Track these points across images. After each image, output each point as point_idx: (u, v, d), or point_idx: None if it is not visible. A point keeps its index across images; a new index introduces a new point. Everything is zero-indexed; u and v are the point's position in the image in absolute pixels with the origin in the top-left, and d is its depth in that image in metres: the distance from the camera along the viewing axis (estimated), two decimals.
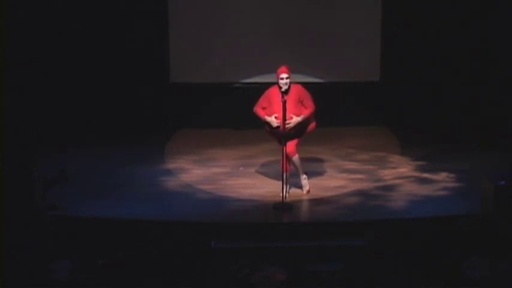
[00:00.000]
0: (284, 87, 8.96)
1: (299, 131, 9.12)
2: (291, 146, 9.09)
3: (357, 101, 12.41)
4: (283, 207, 8.88)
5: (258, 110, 9.18)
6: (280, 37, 12.21)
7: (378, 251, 7.79)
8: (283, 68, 9.00)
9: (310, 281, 7.36)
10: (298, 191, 9.46)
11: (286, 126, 8.90)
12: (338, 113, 12.21)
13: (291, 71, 9.04)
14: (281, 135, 9.00)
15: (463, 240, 7.95)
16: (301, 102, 9.05)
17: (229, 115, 12.18)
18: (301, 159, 9.38)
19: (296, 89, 9.08)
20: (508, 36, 12.02)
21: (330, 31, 12.46)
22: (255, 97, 9.35)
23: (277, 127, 9.01)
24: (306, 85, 9.34)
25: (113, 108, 12.28)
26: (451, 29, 12.26)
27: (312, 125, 9.25)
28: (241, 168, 10.53)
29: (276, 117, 9.02)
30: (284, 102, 8.79)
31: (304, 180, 9.42)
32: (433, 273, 7.19)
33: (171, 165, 10.75)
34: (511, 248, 7.88)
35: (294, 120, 8.99)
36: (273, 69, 9.23)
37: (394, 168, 10.55)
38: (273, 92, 9.09)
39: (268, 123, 9.12)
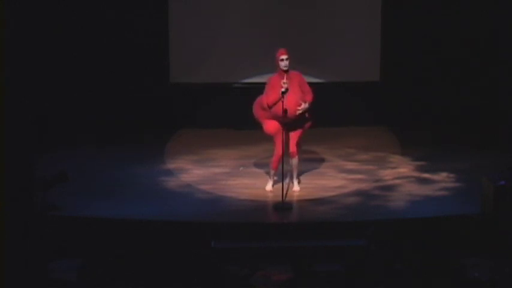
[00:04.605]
0: (285, 68, 9.04)
1: (300, 121, 9.13)
2: (292, 146, 9.11)
3: (357, 101, 12.40)
4: (283, 207, 8.89)
5: (264, 98, 9.16)
6: (280, 37, 12.17)
7: (378, 251, 7.79)
8: (281, 50, 9.08)
9: (311, 281, 7.36)
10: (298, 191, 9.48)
11: (297, 111, 8.96)
12: (338, 113, 12.21)
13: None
14: (285, 122, 9.00)
15: (463, 241, 7.94)
16: (300, 86, 9.09)
17: (229, 115, 12.16)
18: (301, 159, 9.38)
19: (295, 74, 9.16)
20: (508, 36, 12.02)
21: (330, 31, 12.45)
22: (255, 97, 9.36)
23: (286, 91, 8.93)
24: None
25: (113, 108, 12.27)
26: (451, 28, 12.25)
27: (309, 122, 9.27)
28: (241, 168, 10.52)
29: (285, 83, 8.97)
30: (286, 85, 8.89)
31: (296, 181, 9.42)
32: (432, 273, 7.19)
33: (171, 165, 10.74)
34: (511, 248, 7.88)
35: (303, 106, 9.01)
36: (273, 70, 9.24)
37: (394, 168, 10.55)
38: (274, 78, 9.14)
39: (274, 106, 9.06)
